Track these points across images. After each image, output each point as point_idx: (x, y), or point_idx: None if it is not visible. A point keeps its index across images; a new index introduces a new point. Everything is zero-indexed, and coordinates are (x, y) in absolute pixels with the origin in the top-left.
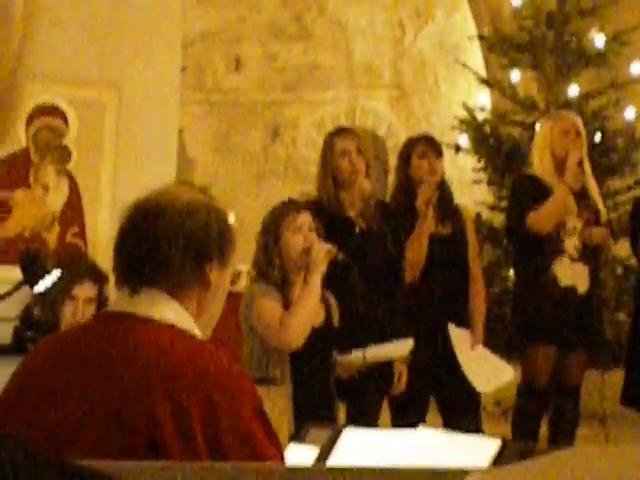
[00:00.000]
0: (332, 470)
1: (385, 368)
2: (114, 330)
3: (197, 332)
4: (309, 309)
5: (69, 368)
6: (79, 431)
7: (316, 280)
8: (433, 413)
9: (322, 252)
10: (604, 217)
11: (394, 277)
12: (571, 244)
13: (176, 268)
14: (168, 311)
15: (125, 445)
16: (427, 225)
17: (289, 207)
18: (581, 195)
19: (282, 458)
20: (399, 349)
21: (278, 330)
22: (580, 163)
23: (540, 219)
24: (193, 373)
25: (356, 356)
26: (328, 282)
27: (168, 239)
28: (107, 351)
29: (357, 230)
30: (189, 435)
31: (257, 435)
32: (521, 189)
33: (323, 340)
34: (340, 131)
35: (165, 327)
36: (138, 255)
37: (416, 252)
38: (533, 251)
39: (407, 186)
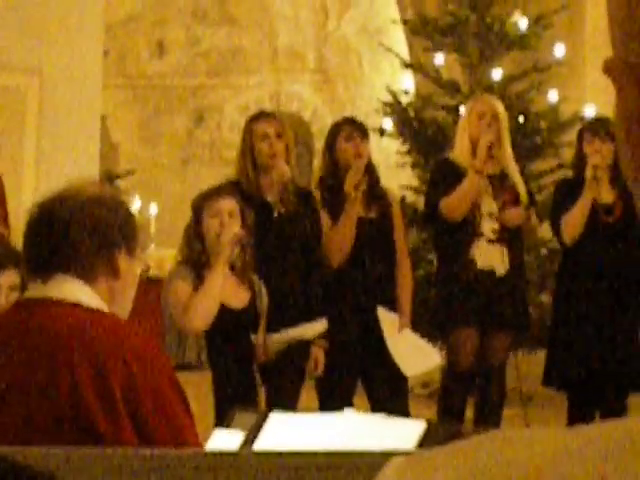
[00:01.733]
0: (258, 454)
1: (303, 352)
2: (31, 314)
3: (106, 309)
4: (211, 293)
5: None
6: (5, 410)
7: (218, 265)
8: (360, 397)
9: (228, 237)
10: (524, 198)
11: (312, 261)
12: (488, 226)
13: (84, 255)
14: (80, 294)
15: (52, 418)
16: (356, 209)
17: (212, 192)
18: (500, 177)
19: (194, 427)
20: (313, 329)
21: (181, 313)
22: (491, 147)
23: (450, 206)
24: (110, 344)
25: (270, 338)
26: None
27: (75, 227)
28: (26, 334)
29: (275, 214)
30: (110, 402)
31: (173, 403)
32: (437, 174)
33: (244, 324)
34: (260, 115)
35: (79, 307)
36: (47, 245)
37: (344, 236)
38: (451, 234)
39: (333, 170)
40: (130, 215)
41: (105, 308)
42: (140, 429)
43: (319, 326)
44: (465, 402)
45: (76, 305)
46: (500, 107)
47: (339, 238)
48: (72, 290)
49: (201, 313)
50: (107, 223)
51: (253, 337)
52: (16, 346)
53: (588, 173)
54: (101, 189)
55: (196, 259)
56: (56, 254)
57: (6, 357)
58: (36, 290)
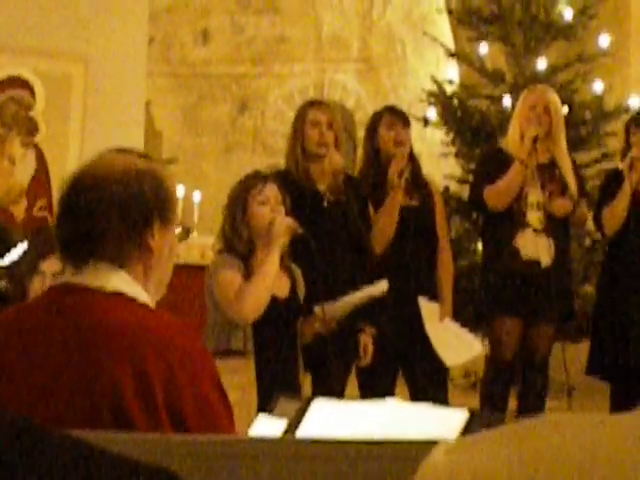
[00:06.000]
0: (301, 441)
1: (351, 340)
2: (69, 302)
3: (146, 299)
4: (265, 283)
5: (27, 342)
6: (42, 402)
7: (273, 254)
8: (401, 385)
9: (282, 226)
10: (573, 189)
11: (360, 250)
12: (534, 216)
13: (114, 239)
14: (116, 280)
15: (89, 414)
16: (398, 197)
17: (256, 179)
18: (549, 167)
19: (234, 430)
20: (376, 289)
21: (233, 302)
22: (536, 139)
23: (494, 195)
24: (152, 341)
25: (336, 304)
26: (294, 255)
27: (102, 212)
28: (64, 323)
29: (325, 204)
30: (151, 401)
31: (214, 404)
32: (485, 162)
33: (288, 312)
34: (313, 103)
35: (117, 297)
36: (77, 231)
37: (387, 224)
38: (498, 224)
39: (375, 158)
40: (162, 185)
41: (143, 294)
42: (178, 427)
43: (382, 285)
44: (508, 393)
45: (113, 294)
46: (553, 98)
47: (381, 226)
48: (108, 277)
49: (254, 302)
50: (137, 202)
51: (317, 309)
52: (54, 335)
53: (625, 165)
54: (131, 161)
55: (242, 247)
56: (87, 240)
57: (44, 346)
58: (72, 276)
